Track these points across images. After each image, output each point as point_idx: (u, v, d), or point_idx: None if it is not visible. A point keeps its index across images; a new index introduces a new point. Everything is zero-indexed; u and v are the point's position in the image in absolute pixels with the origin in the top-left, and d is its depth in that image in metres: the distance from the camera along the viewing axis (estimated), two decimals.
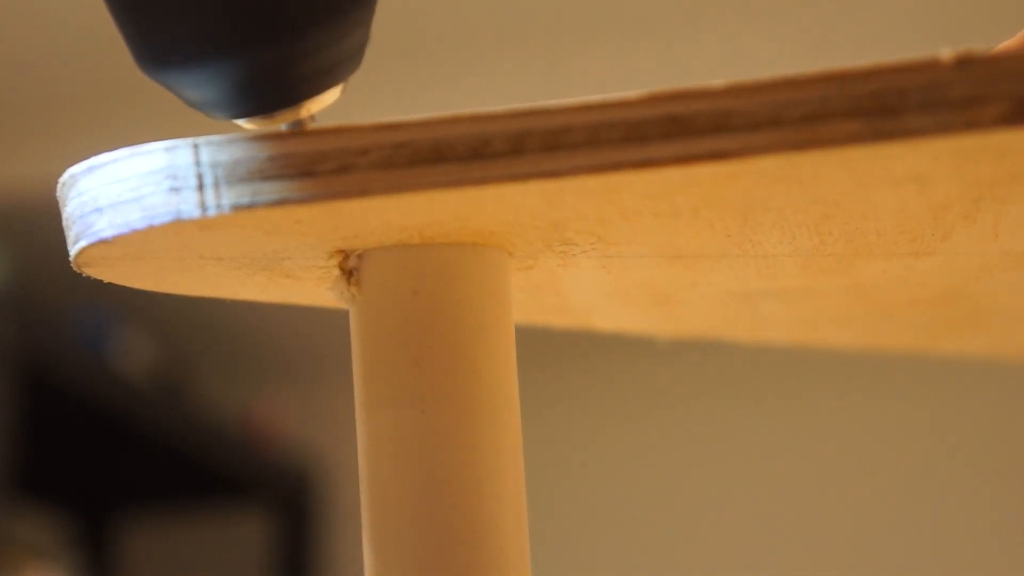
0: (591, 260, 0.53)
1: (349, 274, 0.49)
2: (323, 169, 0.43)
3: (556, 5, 2.08)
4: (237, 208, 0.43)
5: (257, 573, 2.73)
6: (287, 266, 0.50)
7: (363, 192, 0.42)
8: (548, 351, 2.28)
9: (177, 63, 0.44)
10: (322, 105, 0.46)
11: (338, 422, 2.76)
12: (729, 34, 2.10)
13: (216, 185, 0.43)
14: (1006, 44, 0.51)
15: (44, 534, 2.46)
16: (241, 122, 0.46)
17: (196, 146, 0.43)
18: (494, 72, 2.16)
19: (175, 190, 0.43)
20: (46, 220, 2.20)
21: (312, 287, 0.52)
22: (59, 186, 0.46)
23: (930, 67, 0.42)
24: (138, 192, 0.44)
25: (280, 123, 0.46)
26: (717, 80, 0.43)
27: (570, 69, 2.13)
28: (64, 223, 0.46)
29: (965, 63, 0.42)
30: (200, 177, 0.43)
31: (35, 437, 2.19)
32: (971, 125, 0.42)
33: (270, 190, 0.43)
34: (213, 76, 0.44)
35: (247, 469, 2.63)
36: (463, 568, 0.49)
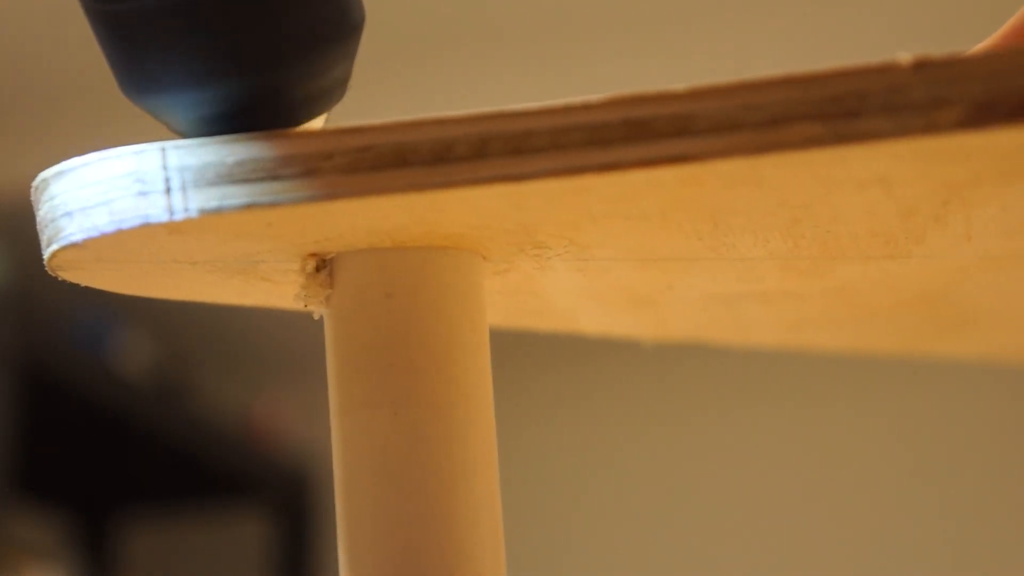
0: (566, 263, 0.53)
1: (322, 277, 0.50)
2: (288, 173, 0.43)
3: (551, 7, 2.08)
4: (205, 212, 0.43)
5: (257, 573, 2.73)
6: (262, 269, 0.50)
7: (328, 196, 0.43)
8: (530, 354, 2.28)
9: (162, 91, 0.45)
10: None
11: None
12: (719, 36, 2.10)
13: (183, 189, 0.43)
14: (982, 44, 0.51)
15: (44, 534, 2.46)
16: None
17: (163, 150, 0.44)
18: (485, 74, 2.16)
19: (143, 194, 0.44)
20: None
21: (290, 290, 0.52)
22: (32, 190, 0.46)
23: (889, 70, 0.42)
24: (107, 196, 0.44)
25: None
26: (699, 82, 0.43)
27: (563, 71, 2.13)
28: (37, 226, 0.47)
29: (923, 66, 0.42)
30: (167, 181, 0.43)
31: (35, 437, 2.20)
32: (931, 128, 0.42)
33: (237, 194, 0.43)
34: (198, 105, 0.45)
35: (247, 469, 2.63)
36: (437, 569, 0.49)
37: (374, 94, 2.15)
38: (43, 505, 2.56)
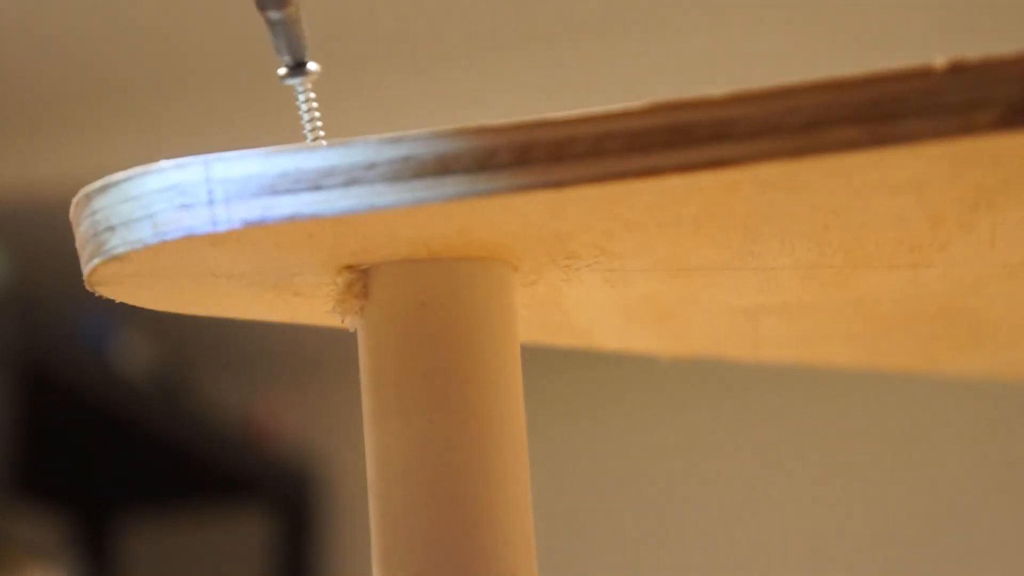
0: (595, 274, 0.53)
1: (356, 288, 0.50)
2: (331, 183, 0.43)
3: (557, 6, 2.08)
4: (248, 224, 0.43)
5: (257, 573, 2.74)
6: (296, 283, 0.51)
7: (371, 206, 0.43)
8: (554, 362, 2.28)
9: None
10: None
11: (338, 422, 2.76)
12: (722, 35, 2.10)
13: (227, 201, 0.44)
14: None
15: (44, 534, 2.46)
16: None
17: (207, 163, 0.44)
18: (493, 75, 2.16)
19: (186, 206, 0.44)
20: (46, 220, 2.20)
21: (319, 304, 0.53)
22: (72, 206, 0.46)
23: (925, 74, 0.42)
24: (150, 209, 0.44)
25: None
26: (712, 83, 0.43)
27: (569, 71, 2.13)
28: (77, 243, 0.47)
29: (958, 69, 0.42)
30: (211, 193, 0.44)
31: (35, 437, 2.19)
32: (966, 130, 0.42)
33: (280, 205, 0.43)
34: None
35: (247, 469, 2.63)
36: (470, 575, 0.49)
37: (374, 99, 2.15)
38: (43, 505, 2.56)
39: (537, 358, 0.77)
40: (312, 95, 0.53)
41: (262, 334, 2.69)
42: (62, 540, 2.56)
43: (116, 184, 0.45)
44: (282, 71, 0.53)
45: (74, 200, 0.46)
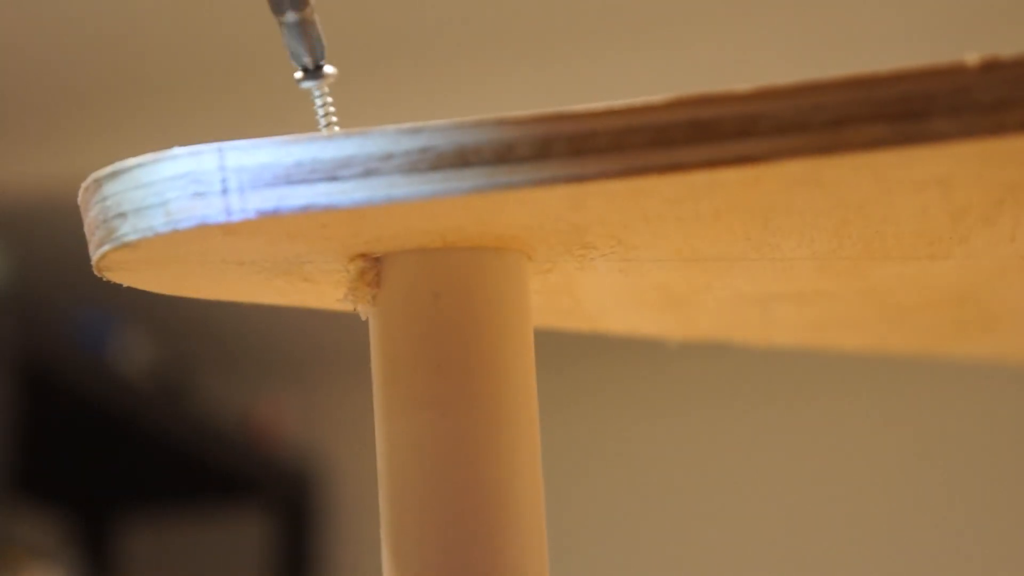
0: (610, 263, 0.53)
1: (369, 277, 0.49)
2: (347, 174, 0.43)
3: (564, 7, 2.07)
4: (262, 214, 0.43)
5: (257, 573, 2.73)
6: (307, 270, 0.50)
7: (388, 198, 0.42)
8: (563, 352, 2.28)
9: None
10: None
11: (339, 422, 2.76)
12: (727, 37, 2.10)
13: (241, 190, 0.43)
14: None
15: (44, 534, 2.45)
16: None
17: (221, 151, 0.43)
18: (500, 75, 2.15)
19: (199, 195, 0.43)
20: (46, 220, 2.20)
21: (329, 290, 0.52)
22: (81, 191, 0.46)
23: (956, 71, 0.42)
24: (162, 197, 0.43)
25: None
26: (733, 82, 0.43)
27: (578, 72, 2.12)
28: (86, 228, 0.46)
29: (991, 67, 0.42)
30: (224, 182, 0.43)
31: (35, 437, 2.19)
32: (997, 129, 0.42)
33: (295, 195, 0.43)
34: None
35: (247, 469, 2.62)
36: (482, 569, 0.49)
37: (384, 95, 2.15)
38: (43, 505, 2.55)
39: (548, 347, 0.76)
40: (329, 99, 0.53)
41: (262, 334, 2.69)
42: (62, 540, 2.55)
43: (127, 170, 0.44)
44: (298, 75, 0.53)
45: (83, 185, 0.46)
